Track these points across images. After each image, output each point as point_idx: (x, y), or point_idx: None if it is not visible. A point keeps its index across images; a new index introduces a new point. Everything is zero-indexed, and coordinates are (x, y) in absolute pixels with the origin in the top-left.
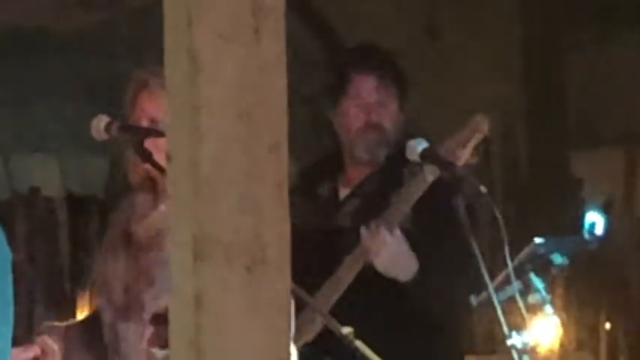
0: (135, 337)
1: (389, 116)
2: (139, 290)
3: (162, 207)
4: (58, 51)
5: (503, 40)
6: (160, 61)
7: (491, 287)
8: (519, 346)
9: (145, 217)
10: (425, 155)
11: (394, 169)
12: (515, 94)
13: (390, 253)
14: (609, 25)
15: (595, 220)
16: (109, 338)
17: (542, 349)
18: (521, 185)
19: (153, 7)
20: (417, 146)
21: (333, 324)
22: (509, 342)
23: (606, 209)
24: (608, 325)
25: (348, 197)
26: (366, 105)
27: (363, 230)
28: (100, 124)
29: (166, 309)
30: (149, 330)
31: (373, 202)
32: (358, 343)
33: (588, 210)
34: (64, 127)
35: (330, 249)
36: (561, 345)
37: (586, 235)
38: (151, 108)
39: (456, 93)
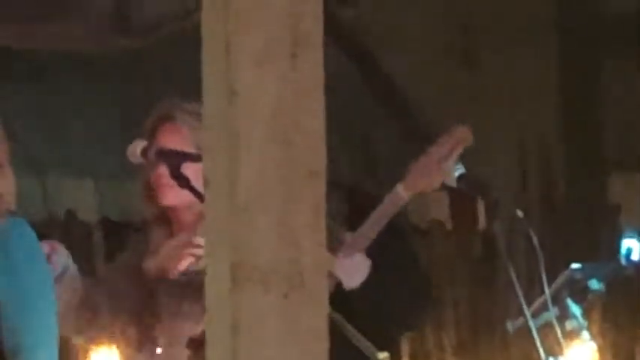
0: None
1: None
2: (150, 323)
3: (195, 239)
4: (96, 75)
5: (540, 65)
6: (198, 87)
7: (528, 313)
8: None
9: (158, 252)
10: (462, 180)
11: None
12: (552, 119)
13: (349, 275)
14: None
15: (632, 246)
16: None
17: None
18: (557, 210)
19: (191, 33)
20: (455, 171)
21: (369, 348)
22: None
23: None
24: None
25: None
26: None
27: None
28: (137, 148)
29: (203, 333)
30: (185, 354)
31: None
32: None
33: (625, 236)
34: (102, 151)
35: None
36: None
37: (623, 261)
38: (173, 140)
39: (493, 118)
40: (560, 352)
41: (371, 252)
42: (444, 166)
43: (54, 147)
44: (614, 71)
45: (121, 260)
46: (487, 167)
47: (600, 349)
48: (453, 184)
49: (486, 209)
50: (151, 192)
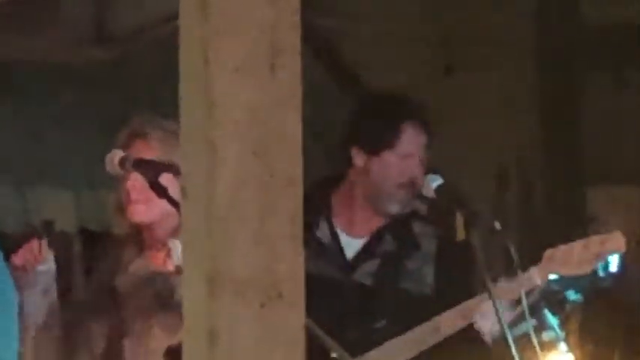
0: None
1: (424, 171)
2: (118, 340)
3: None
4: (74, 86)
5: (519, 78)
6: (176, 97)
7: (504, 323)
8: None
9: (128, 267)
10: (440, 191)
11: (405, 223)
12: (531, 133)
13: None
14: (627, 64)
15: (609, 258)
16: None
17: None
18: (535, 221)
19: (169, 42)
20: (432, 182)
21: (345, 356)
22: None
23: None
24: None
25: (363, 254)
26: (415, 162)
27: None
28: (114, 158)
29: (180, 344)
30: None
31: (391, 263)
32: None
33: None
34: (80, 162)
35: (345, 303)
36: None
37: (600, 273)
38: (147, 156)
39: (471, 130)
40: None
41: None
42: (586, 265)
43: (32, 158)
44: (593, 84)
45: (93, 279)
46: (466, 179)
47: None
48: (431, 194)
49: (464, 221)
50: (122, 207)
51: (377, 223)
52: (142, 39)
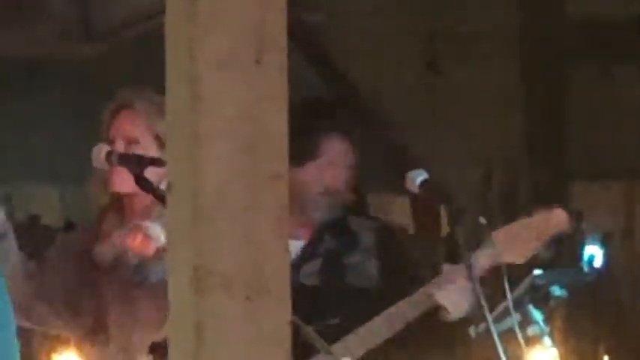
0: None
1: (351, 177)
2: (103, 314)
3: (146, 222)
4: (60, 81)
5: (504, 74)
6: (162, 92)
7: (490, 319)
8: None
9: (109, 236)
10: (424, 186)
11: (341, 221)
12: (517, 127)
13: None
14: (612, 59)
15: (594, 253)
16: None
17: None
18: (520, 217)
19: (155, 36)
20: (417, 177)
21: (333, 355)
22: None
23: (605, 243)
24: (606, 358)
25: (305, 255)
26: (337, 171)
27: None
28: (100, 153)
29: (165, 339)
30: (148, 359)
31: (333, 261)
32: None
33: (587, 243)
34: (66, 157)
35: (293, 306)
36: None
37: (585, 268)
38: (131, 128)
39: (457, 125)
40: (522, 358)
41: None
42: (532, 245)
43: (18, 153)
44: (579, 79)
45: (68, 244)
46: (451, 174)
47: (562, 356)
48: (416, 190)
49: (449, 215)
50: (104, 180)
51: (314, 225)
52: (129, 35)
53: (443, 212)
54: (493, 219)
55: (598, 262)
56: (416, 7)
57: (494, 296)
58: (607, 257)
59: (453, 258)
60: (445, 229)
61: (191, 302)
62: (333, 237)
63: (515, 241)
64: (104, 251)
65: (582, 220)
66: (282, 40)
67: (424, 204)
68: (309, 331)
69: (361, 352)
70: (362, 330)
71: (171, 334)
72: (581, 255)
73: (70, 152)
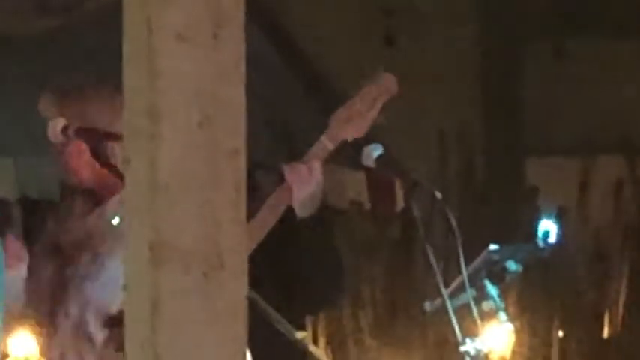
0: (56, 351)
1: None
2: (62, 300)
3: (114, 221)
4: (15, 56)
5: (460, 50)
6: (119, 66)
7: (445, 294)
8: (472, 352)
9: (80, 219)
10: (381, 161)
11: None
12: (472, 101)
13: (309, 187)
14: (566, 35)
15: (549, 228)
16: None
17: (495, 356)
18: (476, 192)
19: (112, 10)
20: (373, 152)
21: (287, 328)
22: (462, 348)
23: (560, 218)
24: (560, 333)
25: None
26: None
27: (285, 167)
28: (56, 127)
29: (121, 312)
30: (103, 333)
31: None
32: (312, 348)
33: (542, 218)
34: (21, 131)
35: None
36: (514, 352)
37: (539, 243)
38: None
39: (413, 100)
40: (477, 333)
41: (285, 234)
42: (369, 115)
43: None
44: (533, 58)
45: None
46: (407, 149)
47: (516, 330)
48: (372, 164)
49: (405, 191)
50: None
51: None
52: (85, 8)
53: (398, 187)
54: (450, 194)
55: (552, 238)
56: None
57: (449, 271)
58: (561, 233)
59: (408, 233)
60: (400, 204)
61: (148, 277)
62: None
63: (353, 117)
64: (70, 239)
65: (537, 196)
66: (240, 14)
67: (380, 179)
68: (265, 306)
69: None
70: None
71: (128, 308)
72: (536, 230)
73: (25, 126)
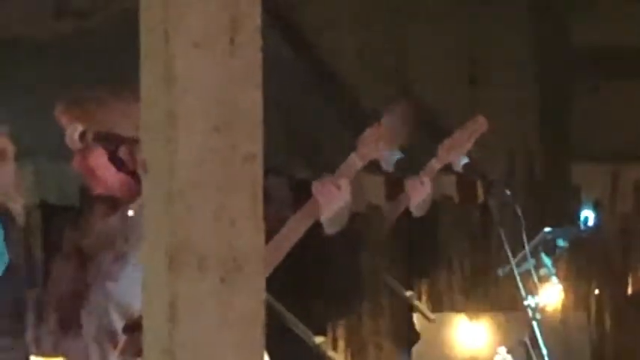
0: (74, 353)
1: None
2: (85, 299)
3: (129, 212)
4: (35, 60)
5: (523, 83)
6: (137, 71)
7: (513, 262)
8: (533, 306)
9: (101, 221)
10: (466, 167)
11: None
12: (533, 125)
13: (337, 204)
14: (599, 77)
15: (588, 215)
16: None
17: (549, 309)
18: (535, 189)
19: (130, 15)
20: (461, 161)
21: (306, 333)
22: (525, 303)
23: (596, 207)
24: (597, 292)
25: None
26: None
27: (314, 183)
28: (74, 132)
29: (140, 318)
30: (122, 339)
31: None
32: (331, 353)
33: (583, 208)
34: (40, 136)
35: None
36: (563, 306)
37: (581, 226)
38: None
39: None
40: (536, 292)
41: (306, 240)
42: (467, 146)
43: None
44: (578, 93)
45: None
46: (488, 160)
47: (564, 290)
48: (460, 170)
49: (484, 188)
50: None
51: None
52: (104, 12)
53: (479, 186)
54: (516, 191)
55: (591, 222)
56: None
57: (516, 247)
58: (598, 218)
59: (487, 220)
60: (480, 199)
61: (165, 281)
62: None
63: (455, 145)
64: (91, 241)
65: (580, 192)
66: (256, 19)
67: (466, 180)
68: (283, 310)
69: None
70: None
71: (146, 313)
72: (579, 216)
73: (44, 131)
